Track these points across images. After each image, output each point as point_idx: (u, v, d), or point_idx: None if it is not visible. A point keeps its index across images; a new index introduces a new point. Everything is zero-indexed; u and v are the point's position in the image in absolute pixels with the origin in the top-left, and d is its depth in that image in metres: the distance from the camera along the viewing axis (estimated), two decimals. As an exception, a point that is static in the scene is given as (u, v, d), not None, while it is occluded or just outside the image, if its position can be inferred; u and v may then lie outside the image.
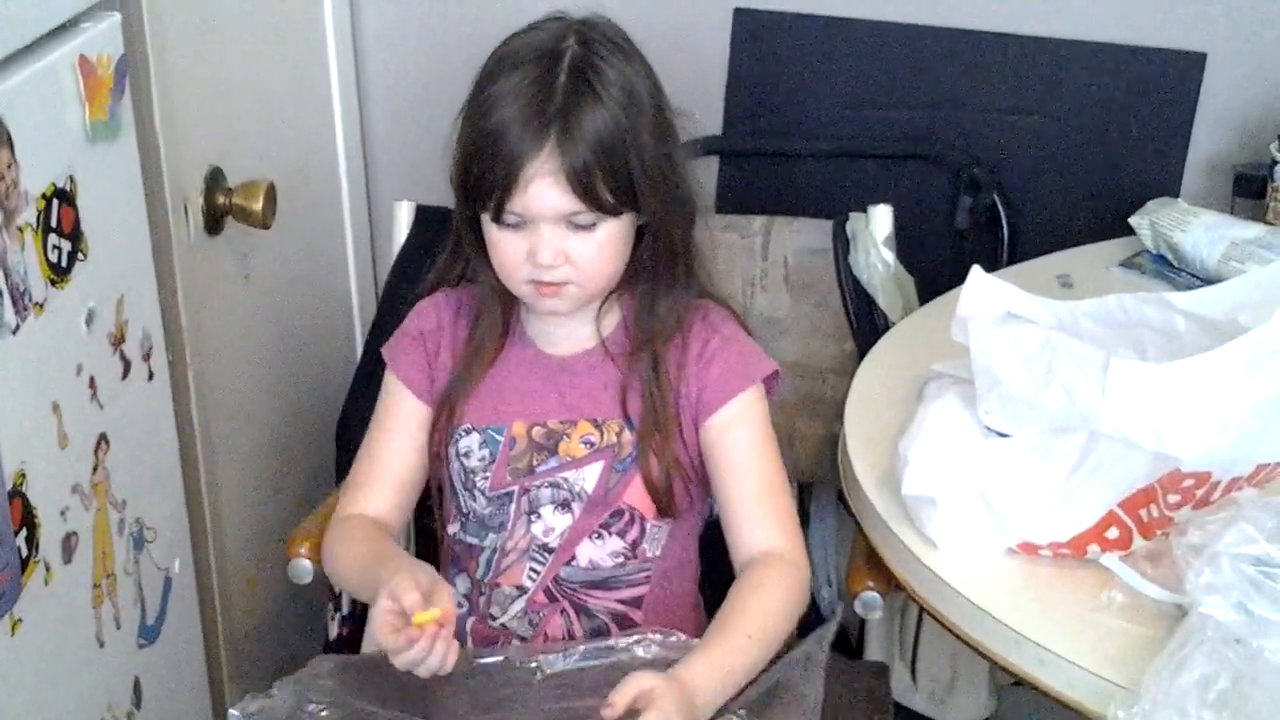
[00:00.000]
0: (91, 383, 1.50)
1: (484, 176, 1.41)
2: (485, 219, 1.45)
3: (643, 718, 1.29)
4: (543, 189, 1.39)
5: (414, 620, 1.31)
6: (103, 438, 1.53)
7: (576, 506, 1.51)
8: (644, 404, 1.50)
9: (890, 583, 1.49)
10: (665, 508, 1.51)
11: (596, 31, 1.45)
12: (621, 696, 1.31)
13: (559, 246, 1.42)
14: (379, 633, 1.34)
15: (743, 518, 1.50)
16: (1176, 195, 2.01)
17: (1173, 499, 1.31)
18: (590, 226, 1.43)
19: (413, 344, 1.56)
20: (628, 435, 1.50)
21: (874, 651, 1.73)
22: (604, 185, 1.40)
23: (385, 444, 1.56)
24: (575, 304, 1.48)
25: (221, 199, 1.78)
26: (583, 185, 1.39)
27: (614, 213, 1.42)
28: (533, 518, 1.52)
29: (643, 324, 1.51)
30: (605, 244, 1.44)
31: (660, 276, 1.50)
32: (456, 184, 1.47)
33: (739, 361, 1.51)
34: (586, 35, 1.44)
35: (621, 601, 1.53)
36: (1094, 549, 1.34)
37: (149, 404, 1.63)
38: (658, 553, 1.54)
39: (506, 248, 1.44)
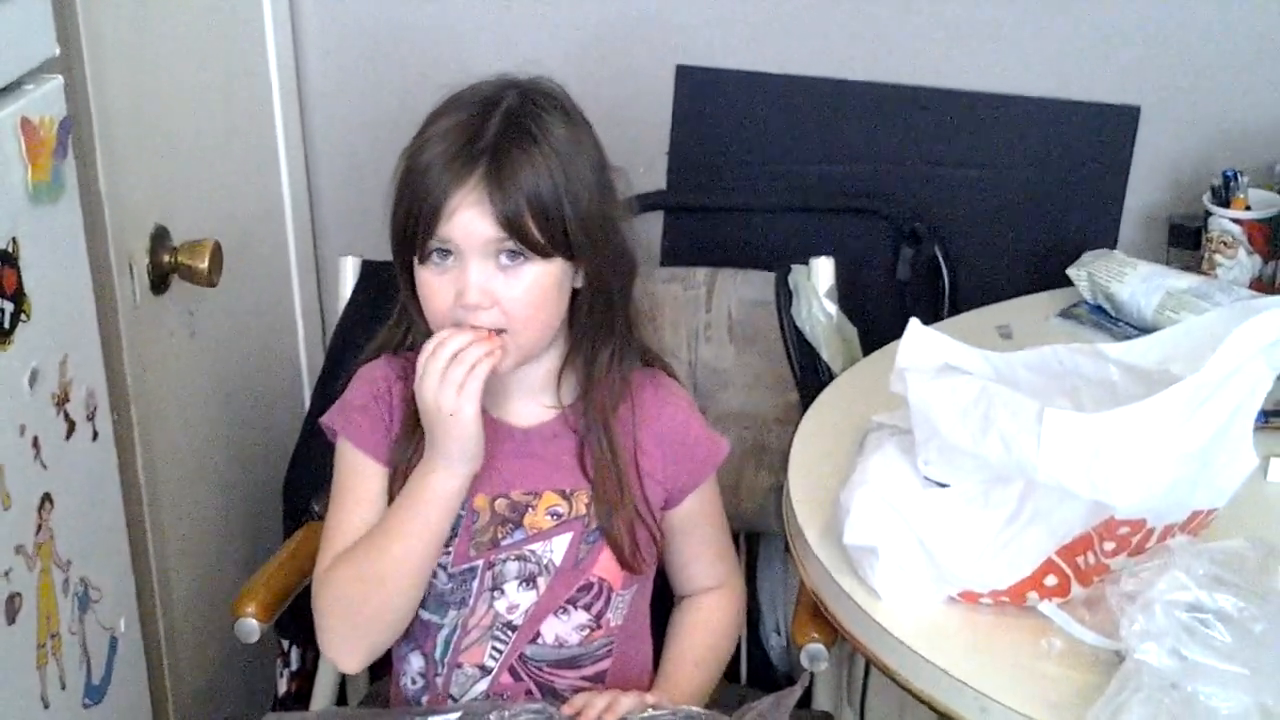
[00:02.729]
0: (35, 443, 1.49)
1: (412, 211, 1.40)
2: (417, 267, 1.43)
3: (621, 695, 1.43)
4: (469, 218, 1.38)
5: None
6: (46, 498, 1.52)
7: (542, 581, 1.49)
8: (598, 472, 1.49)
9: (835, 634, 1.50)
10: (634, 567, 1.51)
11: (539, 91, 1.46)
12: (589, 707, 1.42)
13: (486, 287, 1.40)
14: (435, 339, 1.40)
15: (694, 562, 1.60)
16: (1113, 246, 2.04)
17: (1109, 546, 1.33)
18: (518, 266, 1.40)
19: (364, 411, 1.51)
20: (618, 496, 1.49)
21: (822, 699, 1.73)
22: (533, 223, 1.39)
23: (358, 515, 1.49)
24: (509, 360, 1.44)
25: (166, 258, 1.78)
26: (509, 218, 1.38)
27: (542, 253, 1.41)
28: (496, 594, 1.49)
29: (586, 385, 1.50)
30: (534, 286, 1.41)
31: (599, 334, 1.49)
32: (391, 231, 1.46)
33: (705, 449, 1.56)
34: (527, 91, 1.45)
35: (586, 678, 1.53)
36: (1033, 596, 1.36)
37: (93, 464, 1.63)
38: (620, 621, 1.54)
39: (435, 291, 1.42)
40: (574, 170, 1.42)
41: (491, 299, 1.40)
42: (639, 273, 1.52)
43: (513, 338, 1.42)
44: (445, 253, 1.41)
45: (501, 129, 1.40)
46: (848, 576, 1.43)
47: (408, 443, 1.49)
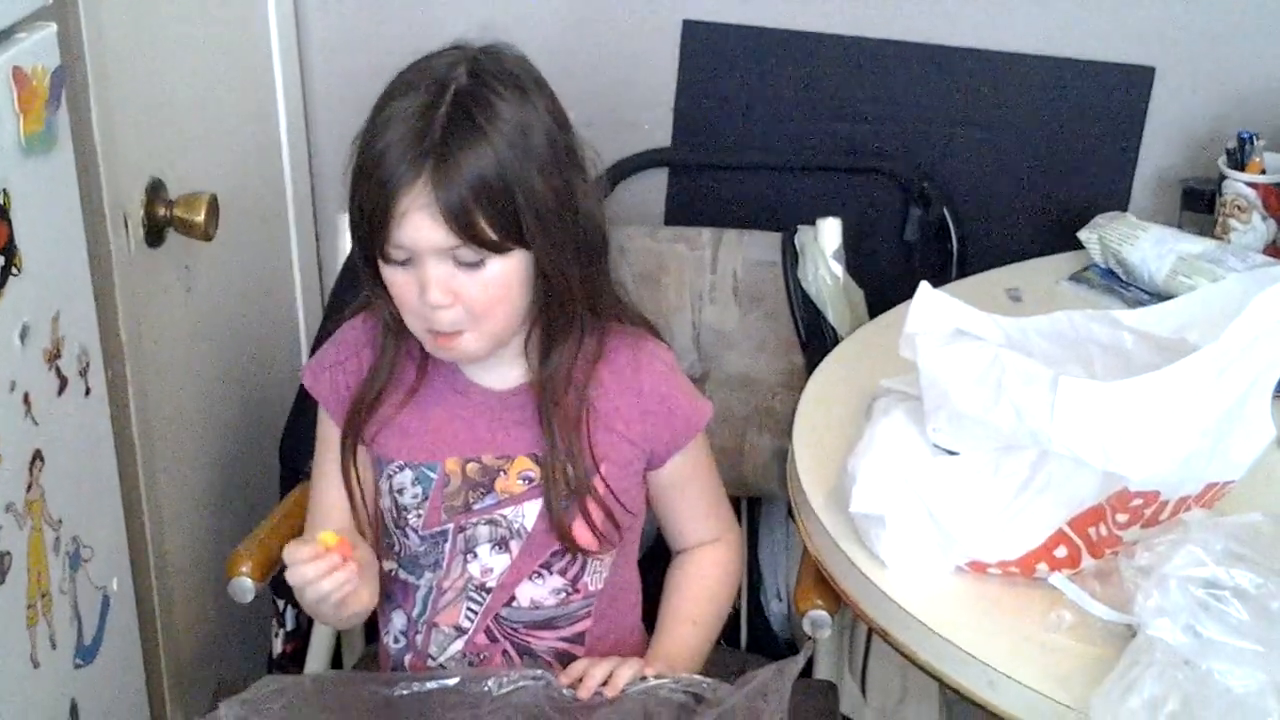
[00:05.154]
0: (26, 399, 1.48)
1: (364, 207, 1.37)
2: (381, 262, 1.40)
3: (621, 665, 1.42)
4: (419, 222, 1.34)
5: (319, 539, 1.38)
6: (38, 455, 1.50)
7: (515, 545, 1.48)
8: (553, 449, 1.46)
9: (838, 601, 1.48)
10: (571, 549, 1.48)
11: (493, 63, 1.39)
12: (588, 677, 1.41)
13: (447, 285, 1.37)
14: (287, 548, 1.39)
15: (686, 519, 1.58)
16: (1125, 209, 2.02)
17: (1121, 518, 1.31)
18: (477, 264, 1.37)
19: (333, 381, 1.52)
20: (570, 471, 1.47)
21: (823, 668, 1.71)
22: (485, 221, 1.34)
23: (327, 484, 1.53)
24: (477, 351, 1.42)
25: (162, 211, 1.76)
26: (459, 221, 1.34)
27: (497, 250, 1.36)
28: (469, 557, 1.49)
29: (543, 372, 1.46)
30: (495, 283, 1.38)
31: (554, 317, 1.44)
32: (350, 224, 1.43)
33: (686, 412, 1.52)
34: (480, 67, 1.38)
35: (564, 639, 1.52)
36: (1043, 568, 1.34)
37: (86, 420, 1.61)
38: (599, 585, 1.52)
39: (401, 286, 1.39)
40: (524, 152, 1.36)
41: (453, 296, 1.37)
42: (610, 244, 1.46)
43: (476, 334, 1.40)
44: (401, 251, 1.37)
45: (448, 121, 1.34)
46: (853, 544, 1.41)
47: (357, 417, 1.49)
